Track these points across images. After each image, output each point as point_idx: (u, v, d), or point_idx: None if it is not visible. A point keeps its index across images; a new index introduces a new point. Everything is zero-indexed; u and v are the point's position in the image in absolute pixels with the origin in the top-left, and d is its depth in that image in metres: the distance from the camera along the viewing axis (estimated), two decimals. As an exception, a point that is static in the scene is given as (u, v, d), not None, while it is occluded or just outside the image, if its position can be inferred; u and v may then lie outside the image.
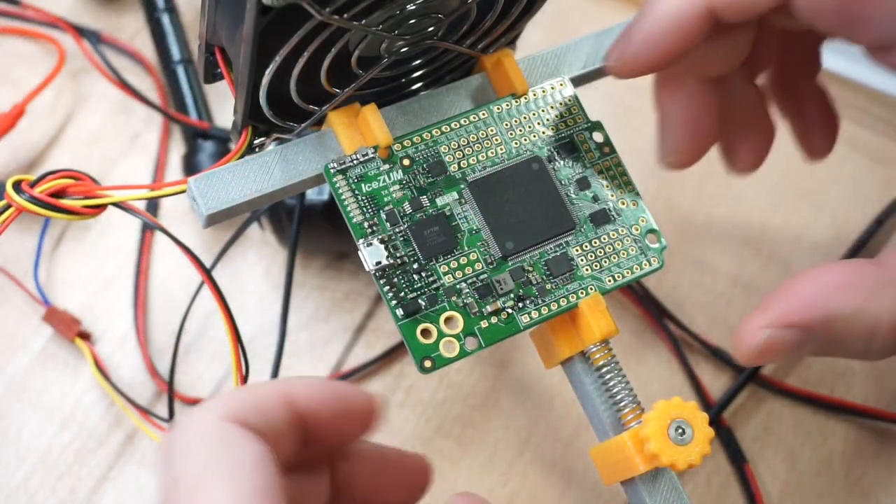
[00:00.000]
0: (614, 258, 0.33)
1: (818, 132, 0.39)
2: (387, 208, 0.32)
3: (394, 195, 0.32)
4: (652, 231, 0.34)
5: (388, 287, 0.31)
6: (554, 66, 0.36)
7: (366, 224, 0.32)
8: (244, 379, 0.34)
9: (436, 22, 0.31)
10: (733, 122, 0.38)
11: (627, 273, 0.33)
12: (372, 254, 0.31)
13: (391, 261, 0.31)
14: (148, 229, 0.47)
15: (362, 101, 0.33)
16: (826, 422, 0.44)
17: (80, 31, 0.51)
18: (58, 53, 0.50)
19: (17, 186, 0.31)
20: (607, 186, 0.34)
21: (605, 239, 0.34)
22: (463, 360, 0.45)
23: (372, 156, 0.32)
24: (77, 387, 0.44)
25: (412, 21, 0.30)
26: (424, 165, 0.33)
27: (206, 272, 0.33)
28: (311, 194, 0.43)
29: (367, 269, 0.31)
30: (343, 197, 0.32)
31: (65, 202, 0.31)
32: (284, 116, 0.32)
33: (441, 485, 0.43)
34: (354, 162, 0.32)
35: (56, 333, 0.45)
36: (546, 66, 0.36)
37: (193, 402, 0.44)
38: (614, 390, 0.32)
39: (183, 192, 0.32)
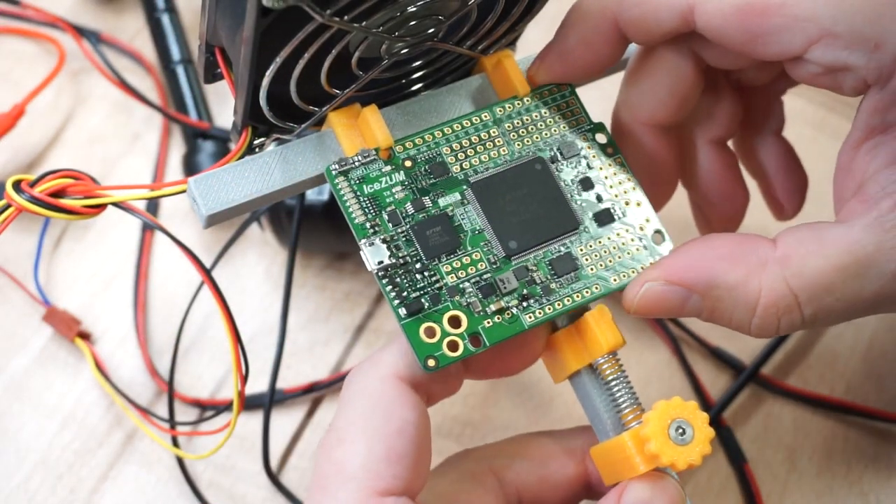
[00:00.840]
0: (619, 257, 0.33)
1: (784, 190, 0.39)
2: (389, 209, 0.32)
3: (396, 196, 0.32)
4: (658, 231, 0.34)
5: (390, 286, 0.31)
6: (554, 67, 0.36)
7: (367, 224, 0.32)
8: (244, 379, 0.34)
9: (436, 24, 0.31)
10: (703, 189, 0.39)
11: (633, 272, 0.33)
12: (374, 253, 0.31)
13: (393, 260, 0.31)
14: (148, 229, 0.47)
15: (363, 101, 0.33)
16: (826, 422, 0.44)
17: (80, 31, 0.51)
18: (58, 54, 0.50)
19: (16, 186, 0.31)
20: (611, 187, 0.34)
21: (609, 239, 0.33)
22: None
23: (374, 157, 0.32)
24: (77, 387, 0.44)
25: (412, 23, 0.30)
26: (426, 167, 0.33)
27: (206, 272, 0.33)
28: (311, 194, 0.43)
29: (368, 268, 0.31)
30: (345, 198, 0.32)
31: (65, 202, 0.31)
32: (284, 117, 0.32)
33: (441, 485, 0.42)
34: (356, 163, 0.32)
35: (56, 333, 0.45)
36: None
37: (194, 402, 0.44)
38: (612, 384, 0.32)
39: (183, 192, 0.32)
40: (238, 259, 0.47)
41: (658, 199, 0.38)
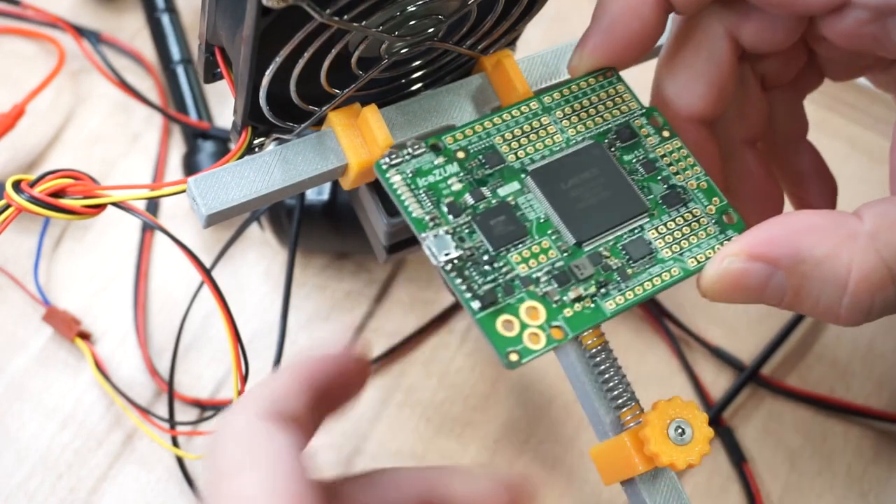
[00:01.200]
0: (694, 239, 0.32)
1: (816, 194, 0.39)
2: (447, 200, 0.31)
3: (452, 188, 0.31)
4: (727, 210, 0.33)
5: (459, 280, 0.30)
6: (554, 66, 0.36)
7: (426, 218, 0.30)
8: (244, 379, 0.34)
9: (436, 23, 0.31)
10: (739, 191, 0.38)
11: (710, 253, 0.32)
12: (440, 245, 0.30)
13: (460, 252, 0.30)
14: (148, 229, 0.47)
15: (362, 101, 0.33)
16: (826, 422, 0.44)
17: (80, 31, 0.51)
18: (58, 53, 0.50)
19: (16, 186, 0.31)
20: (674, 169, 0.33)
21: (680, 221, 0.32)
22: (462, 360, 0.45)
23: (424, 150, 0.31)
24: (77, 387, 0.44)
25: (412, 22, 0.30)
26: (480, 157, 0.32)
27: (206, 272, 0.33)
28: (311, 194, 0.43)
29: (434, 262, 0.30)
30: (399, 192, 0.31)
31: (64, 202, 0.31)
32: (284, 117, 0.32)
33: (441, 485, 0.43)
34: (407, 156, 0.31)
35: (56, 333, 0.45)
36: (546, 66, 0.36)
37: (194, 402, 0.44)
38: (611, 384, 0.32)
39: (183, 191, 0.31)
40: (238, 259, 0.47)
41: None
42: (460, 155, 0.32)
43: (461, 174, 0.32)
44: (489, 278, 0.30)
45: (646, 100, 0.35)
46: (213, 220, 0.31)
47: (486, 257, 0.30)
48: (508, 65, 0.34)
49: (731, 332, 0.46)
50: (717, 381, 0.45)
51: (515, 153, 0.32)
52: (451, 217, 0.31)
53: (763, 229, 0.30)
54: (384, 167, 0.31)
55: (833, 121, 0.51)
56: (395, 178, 0.31)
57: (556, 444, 0.44)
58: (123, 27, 0.53)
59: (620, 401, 0.32)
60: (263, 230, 0.47)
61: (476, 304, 0.30)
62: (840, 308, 0.29)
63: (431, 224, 0.30)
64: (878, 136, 0.51)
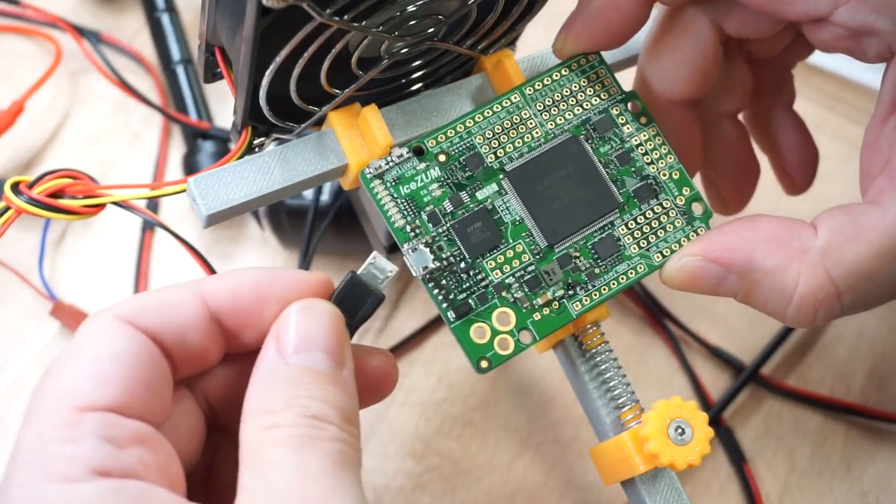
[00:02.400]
0: (661, 233, 0.33)
1: (795, 164, 0.39)
2: (427, 209, 0.32)
3: (433, 194, 0.32)
4: (697, 199, 0.34)
5: (437, 290, 0.31)
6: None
7: (408, 228, 0.31)
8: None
9: (436, 23, 0.31)
10: (717, 163, 0.39)
11: (675, 247, 0.33)
12: (418, 259, 0.31)
13: (438, 263, 0.31)
14: (148, 228, 0.47)
15: (362, 101, 0.33)
16: (826, 422, 0.44)
17: (80, 31, 0.51)
18: (55, 51, 0.50)
19: (15, 188, 0.31)
20: (648, 159, 0.34)
21: (650, 214, 0.33)
22: (462, 360, 0.45)
23: (407, 156, 0.32)
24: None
25: (412, 22, 0.30)
26: (461, 160, 0.32)
27: (210, 269, 0.33)
28: (311, 194, 0.43)
29: (414, 274, 0.31)
30: (382, 202, 0.31)
31: (63, 202, 0.31)
32: (284, 117, 0.32)
33: (441, 485, 0.43)
34: (390, 164, 0.32)
35: (62, 329, 0.45)
36: (546, 66, 0.36)
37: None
38: (611, 384, 0.32)
39: (183, 191, 0.32)
40: (238, 259, 0.47)
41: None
42: (441, 158, 0.32)
43: (442, 178, 0.32)
44: (464, 287, 0.31)
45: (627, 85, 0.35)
46: (213, 220, 0.31)
47: (462, 265, 0.31)
48: (508, 65, 0.34)
49: (731, 332, 0.46)
50: (717, 381, 0.45)
51: (495, 152, 0.33)
52: (430, 226, 0.31)
53: (722, 234, 0.31)
54: (368, 177, 0.32)
55: (833, 121, 0.51)
56: (379, 188, 0.32)
57: (556, 444, 0.44)
58: (123, 27, 0.53)
59: (620, 401, 0.32)
60: (263, 230, 0.47)
61: (452, 315, 0.31)
62: (786, 314, 0.31)
63: (413, 234, 0.31)
64: (878, 136, 0.51)
